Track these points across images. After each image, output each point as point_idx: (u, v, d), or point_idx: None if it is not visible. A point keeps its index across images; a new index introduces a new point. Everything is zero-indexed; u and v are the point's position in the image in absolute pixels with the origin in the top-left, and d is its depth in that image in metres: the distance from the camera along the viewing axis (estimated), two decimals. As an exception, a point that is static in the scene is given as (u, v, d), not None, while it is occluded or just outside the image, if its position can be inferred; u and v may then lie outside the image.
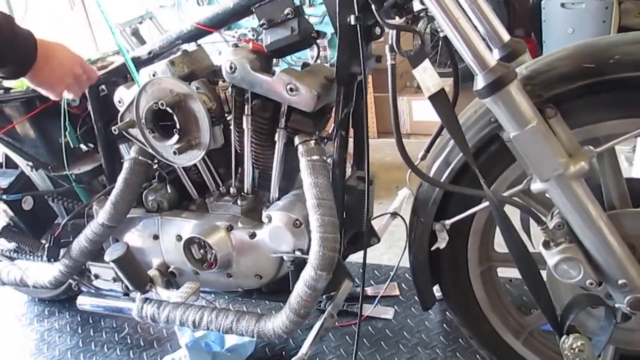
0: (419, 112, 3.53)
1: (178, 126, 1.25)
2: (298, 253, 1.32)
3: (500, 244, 1.31)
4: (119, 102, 1.45)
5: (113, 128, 1.33)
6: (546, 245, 1.09)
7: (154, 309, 1.51)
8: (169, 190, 1.53)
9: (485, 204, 1.18)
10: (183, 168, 1.48)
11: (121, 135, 1.54)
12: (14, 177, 1.60)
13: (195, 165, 1.47)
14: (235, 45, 1.31)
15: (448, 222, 1.23)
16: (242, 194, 1.44)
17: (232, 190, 1.45)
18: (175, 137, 1.27)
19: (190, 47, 1.46)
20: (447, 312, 1.75)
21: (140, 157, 1.46)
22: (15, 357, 1.86)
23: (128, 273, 1.44)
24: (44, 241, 1.67)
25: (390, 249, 2.09)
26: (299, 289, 1.29)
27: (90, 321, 1.97)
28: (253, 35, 3.42)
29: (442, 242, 1.23)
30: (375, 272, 1.98)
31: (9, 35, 1.10)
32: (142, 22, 2.93)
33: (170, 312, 1.49)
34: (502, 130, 1.08)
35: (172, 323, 1.51)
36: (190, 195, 1.53)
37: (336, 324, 1.72)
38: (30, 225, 1.65)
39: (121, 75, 1.50)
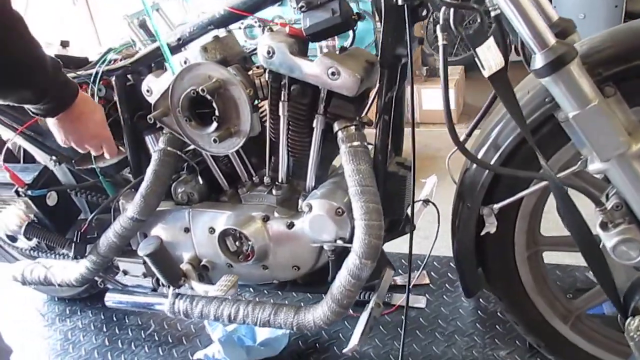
0: (429, 101, 3.50)
1: (217, 113, 1.20)
2: (340, 242, 1.29)
3: (545, 228, 1.30)
4: (148, 91, 1.40)
5: (148, 117, 1.29)
6: (604, 226, 1.06)
7: (187, 304, 1.48)
8: (199, 182, 1.49)
9: (537, 186, 1.16)
10: (213, 158, 1.44)
11: (148, 125, 1.51)
12: (37, 172, 1.55)
13: (225, 155, 1.43)
14: (270, 30, 1.28)
15: (497, 206, 1.20)
16: (277, 183, 1.40)
17: (265, 179, 1.41)
18: (214, 124, 1.23)
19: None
20: (480, 299, 1.73)
21: (169, 148, 1.42)
22: (41, 358, 1.82)
23: (162, 267, 1.40)
24: (69, 238, 1.62)
25: (418, 237, 2.05)
26: (342, 279, 1.26)
27: (114, 319, 1.93)
28: (259, 26, 3.37)
29: (491, 227, 1.20)
30: (403, 260, 1.96)
31: (54, 74, 1.14)
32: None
33: (204, 306, 1.46)
34: (558, 110, 1.05)
35: (206, 318, 1.48)
36: (221, 186, 1.50)
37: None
38: (54, 221, 1.60)
39: (146, 64, 1.45)
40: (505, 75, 1.00)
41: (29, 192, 1.52)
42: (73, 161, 1.60)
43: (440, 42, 1.07)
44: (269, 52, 1.21)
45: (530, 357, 1.49)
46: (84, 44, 3.65)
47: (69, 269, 1.67)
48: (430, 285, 1.82)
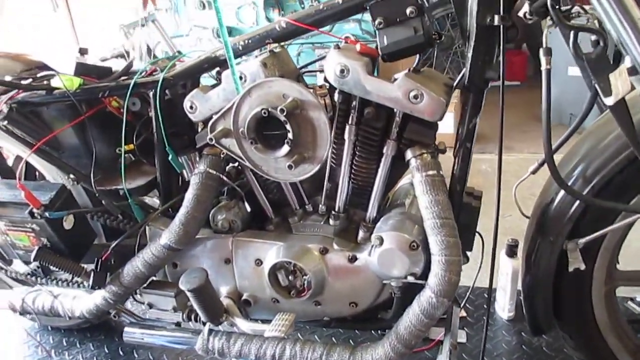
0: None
1: (291, 136, 1.09)
2: (411, 278, 1.19)
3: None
4: (191, 107, 1.27)
5: (209, 138, 1.16)
6: None
7: (223, 341, 1.34)
8: (243, 208, 1.37)
9: (627, 220, 1.10)
10: (260, 183, 1.32)
11: (183, 145, 1.38)
12: (54, 192, 1.38)
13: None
14: (338, 47, 1.18)
15: (582, 240, 1.13)
16: (333, 212, 1.30)
17: (321, 208, 1.30)
18: (285, 148, 1.11)
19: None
20: (522, 333, 1.66)
21: (211, 171, 1.29)
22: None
23: (205, 303, 1.26)
24: (85, 265, 1.45)
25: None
26: (413, 317, 1.16)
27: (121, 352, 1.75)
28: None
29: (578, 263, 1.14)
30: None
31: None
32: (145, 24, 2.72)
33: (244, 345, 1.32)
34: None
35: (245, 357, 1.34)
36: (263, 213, 1.37)
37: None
38: (69, 246, 1.43)
39: (188, 78, 1.32)
40: (624, 102, 0.94)
41: (46, 214, 1.34)
42: (93, 180, 1.44)
43: (544, 67, 1.00)
44: (342, 71, 1.11)
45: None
46: (64, 51, 3.44)
47: (81, 299, 1.50)
48: (468, 318, 1.74)
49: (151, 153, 1.41)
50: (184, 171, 1.42)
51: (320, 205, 1.30)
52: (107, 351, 1.76)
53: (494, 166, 1.11)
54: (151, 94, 1.30)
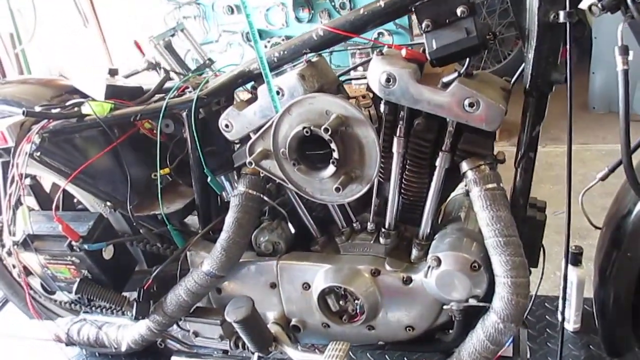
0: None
1: (336, 156, 1.00)
2: (473, 301, 1.09)
3: None
4: (227, 126, 1.20)
5: (248, 162, 1.09)
6: None
7: (273, 370, 1.27)
8: (286, 229, 1.29)
9: None
10: (304, 202, 1.25)
11: (220, 165, 1.31)
12: (92, 222, 1.34)
13: (319, 198, 1.24)
14: (381, 53, 1.09)
15: (667, 256, 1.02)
16: (382, 229, 1.21)
17: (369, 226, 1.22)
18: (331, 169, 1.02)
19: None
20: (590, 346, 1.53)
21: (251, 191, 1.22)
22: None
23: (253, 334, 1.19)
24: (127, 295, 1.40)
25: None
26: (477, 344, 1.07)
27: (168, 381, 1.70)
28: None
29: (663, 281, 1.02)
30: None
31: None
32: (175, 34, 2.67)
33: (295, 374, 1.25)
34: None
35: (297, 386, 1.27)
36: (308, 233, 1.30)
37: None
38: (111, 276, 1.38)
39: (222, 95, 1.26)
40: None
41: (85, 247, 1.30)
42: (130, 207, 1.39)
43: (620, 68, 0.89)
44: (388, 80, 1.02)
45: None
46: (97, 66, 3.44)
47: (127, 329, 1.46)
48: (529, 330, 1.62)
49: (187, 174, 1.36)
50: (224, 192, 1.35)
51: (369, 223, 1.22)
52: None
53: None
54: (184, 114, 1.24)
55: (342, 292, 1.20)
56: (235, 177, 1.32)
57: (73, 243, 1.31)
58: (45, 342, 1.88)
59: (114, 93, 1.35)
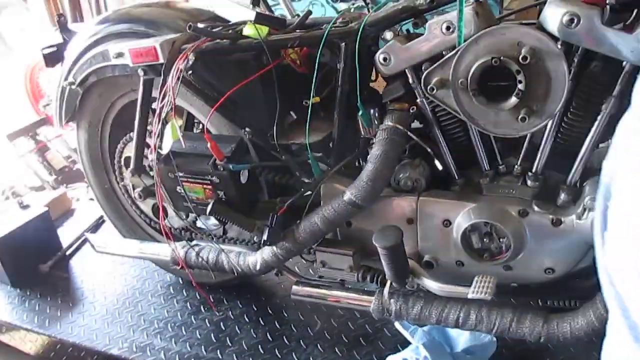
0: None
1: (522, 87, 1.02)
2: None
3: None
4: (385, 59, 1.23)
5: (430, 87, 1.11)
6: None
7: (401, 303, 1.31)
8: (427, 168, 1.32)
9: None
10: (448, 142, 1.27)
11: (368, 99, 1.33)
12: (235, 144, 1.37)
13: (465, 137, 1.26)
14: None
15: None
16: (529, 173, 1.23)
17: (516, 169, 1.24)
18: (513, 100, 1.04)
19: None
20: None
21: (398, 126, 1.24)
22: (196, 349, 1.65)
23: (396, 263, 1.22)
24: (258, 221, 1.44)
25: None
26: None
27: (270, 311, 1.75)
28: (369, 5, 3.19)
29: None
30: None
31: None
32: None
33: (424, 307, 1.29)
34: None
35: (425, 321, 1.31)
36: (444, 173, 1.32)
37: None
38: (243, 201, 1.42)
39: (386, 28, 1.27)
40: None
41: (230, 166, 1.34)
42: (269, 135, 1.43)
43: None
44: (571, 21, 1.02)
45: None
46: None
47: (247, 255, 1.50)
48: None
49: (327, 108, 1.39)
50: (362, 128, 1.38)
51: (516, 166, 1.23)
52: (255, 309, 1.77)
53: None
54: (343, 44, 1.26)
55: (488, 230, 1.22)
56: (376, 114, 1.35)
57: (217, 162, 1.34)
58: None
59: (263, 20, 1.37)
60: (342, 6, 3.25)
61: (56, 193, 2.66)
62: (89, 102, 1.76)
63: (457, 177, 1.31)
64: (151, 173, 1.69)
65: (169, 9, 1.70)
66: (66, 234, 2.29)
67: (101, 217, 2.40)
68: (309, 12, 1.47)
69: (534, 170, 1.22)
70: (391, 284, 1.30)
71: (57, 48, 1.78)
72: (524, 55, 0.97)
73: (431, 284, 1.25)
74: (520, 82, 1.02)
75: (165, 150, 1.35)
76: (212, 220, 1.67)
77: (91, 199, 2.61)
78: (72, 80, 1.66)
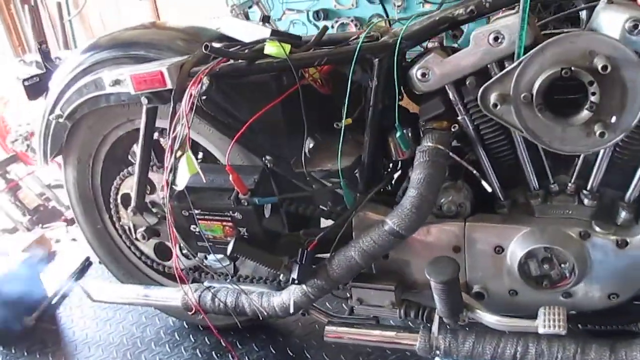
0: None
1: (595, 100, 0.93)
2: None
3: None
4: (424, 75, 1.13)
5: (492, 104, 1.00)
6: None
7: (450, 339, 1.19)
8: (470, 190, 1.22)
9: None
10: (492, 161, 1.17)
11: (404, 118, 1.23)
12: (257, 175, 1.24)
13: (512, 155, 1.17)
14: (611, 1, 1.02)
15: None
16: (584, 191, 1.14)
17: (570, 187, 1.15)
18: (585, 114, 0.95)
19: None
20: None
21: (440, 147, 1.14)
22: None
23: (453, 297, 1.11)
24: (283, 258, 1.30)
25: None
26: None
27: (290, 353, 1.61)
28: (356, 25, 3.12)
29: None
30: None
31: None
32: (252, 5, 2.60)
33: (476, 343, 1.18)
34: None
35: (478, 358, 1.19)
36: (487, 194, 1.22)
37: None
38: (267, 237, 1.28)
39: (424, 41, 1.17)
40: None
41: (256, 200, 1.20)
42: (292, 162, 1.30)
43: None
44: (635, 27, 0.94)
45: None
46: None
47: (272, 296, 1.36)
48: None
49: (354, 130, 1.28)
50: (394, 151, 1.27)
51: (569, 184, 1.15)
52: (274, 351, 1.62)
53: None
54: (376, 60, 1.16)
55: (548, 255, 1.12)
56: (409, 135, 1.25)
57: (241, 196, 1.21)
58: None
59: (279, 38, 1.25)
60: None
61: (33, 235, 2.44)
62: (78, 136, 1.59)
63: (502, 199, 1.21)
64: (154, 210, 1.55)
65: (163, 29, 1.58)
66: (50, 281, 2.08)
67: (87, 258, 2.22)
68: (326, 28, 1.36)
69: (588, 187, 1.13)
70: (440, 319, 1.19)
71: (39, 79, 1.62)
72: (604, 65, 0.88)
73: (488, 318, 1.14)
74: (593, 94, 0.92)
75: (180, 186, 1.20)
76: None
77: (73, 239, 2.43)
78: (59, 113, 1.50)
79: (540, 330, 1.05)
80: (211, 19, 1.45)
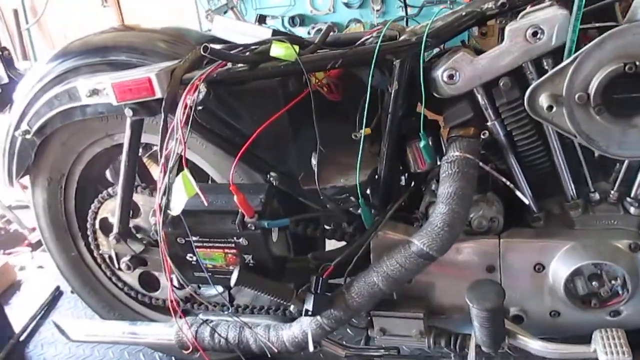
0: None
1: (664, 100, 0.82)
2: None
3: None
4: (451, 77, 1.01)
5: (547, 107, 0.88)
6: None
7: (486, 369, 1.07)
8: (502, 203, 1.10)
9: None
10: (526, 171, 1.06)
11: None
12: (263, 195, 1.09)
13: (547, 163, 1.06)
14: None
15: None
16: (628, 199, 1.04)
17: (612, 195, 1.04)
18: (653, 117, 0.84)
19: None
20: None
21: (469, 156, 1.02)
22: None
23: (495, 326, 0.98)
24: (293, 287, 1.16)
25: None
26: None
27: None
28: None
29: None
30: None
31: None
32: (227, 11, 2.45)
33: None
34: None
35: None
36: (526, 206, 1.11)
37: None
38: (276, 264, 1.13)
39: (450, 39, 1.05)
40: None
41: (265, 224, 1.05)
42: (300, 179, 1.16)
43: None
44: (693, 15, 0.85)
45: None
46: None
47: (280, 329, 1.21)
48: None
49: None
50: (414, 162, 1.14)
51: (612, 192, 1.04)
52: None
53: None
54: (397, 62, 1.03)
55: (598, 271, 1.01)
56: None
57: (247, 219, 1.06)
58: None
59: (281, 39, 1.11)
60: (300, 30, 3.02)
61: (-6, 263, 2.22)
62: (48, 154, 1.41)
63: (536, 211, 1.10)
64: (139, 236, 1.38)
65: (142, 31, 1.41)
66: (17, 314, 1.86)
67: (57, 288, 2.01)
68: (330, 27, 1.23)
69: (632, 194, 1.03)
70: (477, 347, 1.06)
71: (1, 90, 1.43)
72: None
73: (533, 344, 1.02)
74: (662, 92, 0.82)
75: (176, 210, 1.05)
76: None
77: (40, 267, 2.21)
78: (26, 129, 1.32)
79: (602, 358, 0.93)
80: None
